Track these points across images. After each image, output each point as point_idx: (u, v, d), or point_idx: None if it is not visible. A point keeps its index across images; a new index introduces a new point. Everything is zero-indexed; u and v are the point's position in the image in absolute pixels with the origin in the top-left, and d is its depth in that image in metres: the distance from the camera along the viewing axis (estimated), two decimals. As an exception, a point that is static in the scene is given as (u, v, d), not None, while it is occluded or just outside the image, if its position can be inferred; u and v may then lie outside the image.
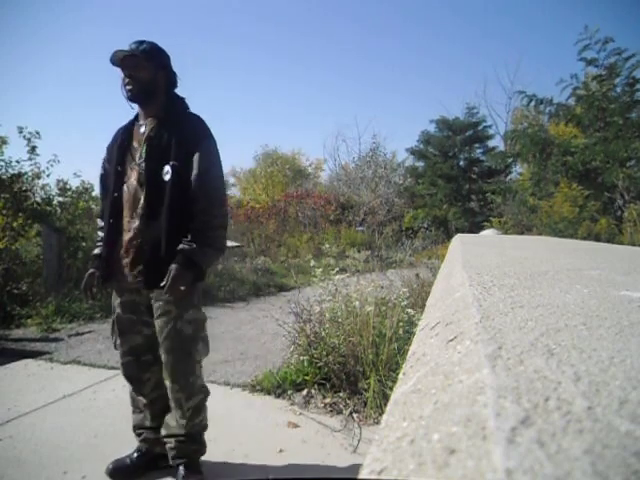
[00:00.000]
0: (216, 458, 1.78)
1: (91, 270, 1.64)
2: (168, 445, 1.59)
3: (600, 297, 0.37)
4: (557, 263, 0.66)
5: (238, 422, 2.14)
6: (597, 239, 5.10)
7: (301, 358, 2.61)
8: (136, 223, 1.53)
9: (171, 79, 1.65)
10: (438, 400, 0.19)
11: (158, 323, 1.55)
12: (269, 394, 2.47)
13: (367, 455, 0.17)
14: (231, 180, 24.00)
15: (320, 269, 3.06)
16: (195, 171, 1.51)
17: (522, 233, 6.48)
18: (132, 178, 1.55)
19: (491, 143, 17.61)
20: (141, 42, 1.56)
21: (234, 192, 21.54)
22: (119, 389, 2.56)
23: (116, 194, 1.56)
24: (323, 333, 2.58)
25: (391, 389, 2.12)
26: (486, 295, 0.36)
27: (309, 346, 2.58)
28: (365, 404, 2.20)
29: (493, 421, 0.15)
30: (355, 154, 19.83)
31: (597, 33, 5.72)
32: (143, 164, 1.53)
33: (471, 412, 0.16)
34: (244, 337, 3.78)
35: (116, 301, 1.63)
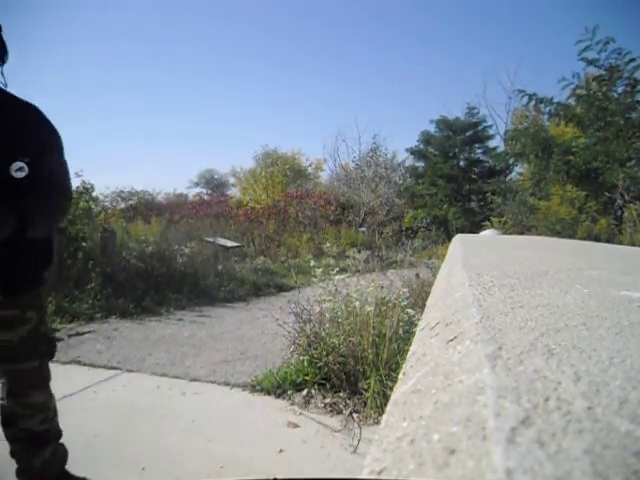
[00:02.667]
0: (216, 458, 1.78)
1: None
2: None
3: (600, 297, 0.37)
4: (557, 263, 0.66)
5: (238, 422, 2.14)
6: (597, 239, 5.10)
7: (301, 358, 2.61)
8: None
9: None
10: (438, 400, 0.19)
11: None
12: (269, 394, 2.47)
13: (367, 455, 0.17)
14: (231, 180, 24.01)
15: (320, 269, 3.06)
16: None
17: (522, 233, 6.48)
18: None
19: (491, 143, 17.63)
20: None
21: (234, 192, 21.55)
22: (119, 389, 2.56)
23: None
24: (323, 333, 2.58)
25: (391, 389, 2.12)
26: (486, 295, 0.36)
27: (309, 346, 2.58)
28: (365, 404, 2.20)
29: (493, 421, 0.15)
30: (355, 154, 19.81)
31: (598, 33, 5.71)
32: None
33: (471, 412, 0.16)
34: (244, 337, 3.78)
35: None
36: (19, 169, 1.23)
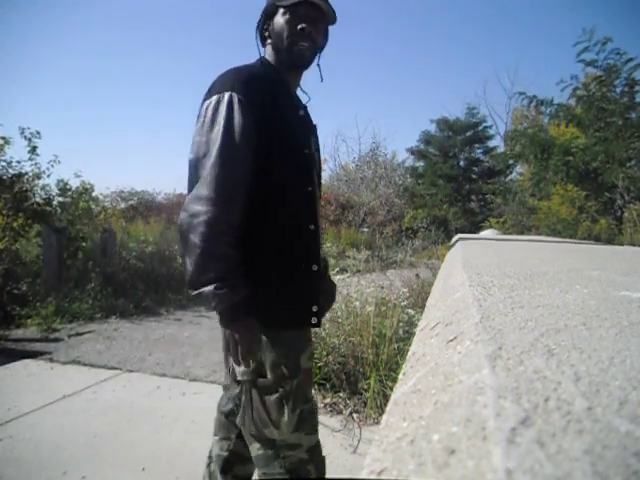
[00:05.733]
0: (216, 458, 1.78)
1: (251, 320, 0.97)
2: None
3: (600, 297, 0.37)
4: (557, 263, 0.66)
5: (238, 422, 2.14)
6: (597, 239, 5.10)
7: (301, 358, 2.61)
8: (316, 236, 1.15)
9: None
10: (438, 400, 0.19)
11: None
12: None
13: (367, 455, 0.17)
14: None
15: (320, 269, 3.05)
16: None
17: (522, 233, 6.48)
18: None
19: (491, 143, 17.64)
20: None
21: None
22: (119, 389, 2.56)
23: (310, 188, 1.13)
24: (323, 333, 2.58)
25: (391, 389, 2.12)
26: (486, 295, 0.36)
27: (309, 346, 2.58)
28: (365, 404, 2.20)
29: (493, 421, 0.15)
30: (355, 154, 19.82)
31: (596, 34, 5.71)
32: (315, 156, 1.20)
33: (471, 412, 0.16)
34: (244, 337, 3.77)
35: (304, 356, 1.07)
36: None
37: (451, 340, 0.26)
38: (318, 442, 1.13)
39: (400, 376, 0.25)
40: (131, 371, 2.88)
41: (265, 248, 1.02)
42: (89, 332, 3.83)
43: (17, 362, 3.00)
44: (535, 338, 0.24)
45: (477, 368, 0.20)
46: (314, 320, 1.07)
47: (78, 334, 3.75)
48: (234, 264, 0.93)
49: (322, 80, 1.26)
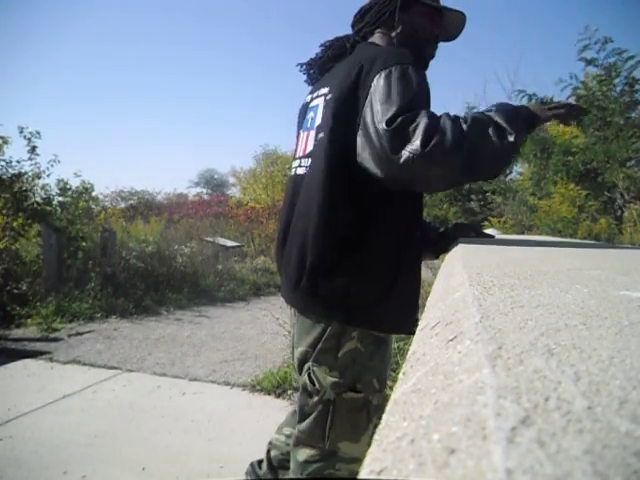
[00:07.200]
0: (216, 458, 1.78)
1: None
2: None
3: (600, 297, 0.37)
4: (557, 263, 0.66)
5: (238, 422, 2.14)
6: (597, 239, 5.10)
7: (301, 358, 2.61)
8: None
9: None
10: (438, 400, 0.19)
11: None
12: (269, 394, 2.46)
13: (367, 455, 0.17)
14: (231, 180, 23.99)
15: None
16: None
17: (522, 233, 6.48)
18: None
19: (491, 143, 17.64)
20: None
21: (234, 192, 21.53)
22: (119, 389, 2.56)
23: None
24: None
25: (391, 389, 2.11)
26: (486, 295, 0.36)
27: (309, 346, 2.58)
28: (365, 404, 2.19)
29: (493, 421, 0.15)
30: (355, 154, 19.71)
31: (596, 33, 5.71)
32: None
33: (471, 412, 0.16)
34: (244, 337, 3.78)
35: (389, 367, 1.06)
36: None
37: (451, 340, 0.26)
38: None
39: (400, 376, 0.25)
40: (131, 371, 2.88)
41: (395, 248, 0.95)
42: (89, 332, 3.84)
43: (17, 362, 3.00)
44: (535, 338, 0.24)
45: (477, 367, 0.20)
46: (414, 327, 0.99)
47: (78, 334, 3.76)
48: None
49: None
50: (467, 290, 0.38)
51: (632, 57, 5.52)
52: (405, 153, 0.79)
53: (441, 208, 15.60)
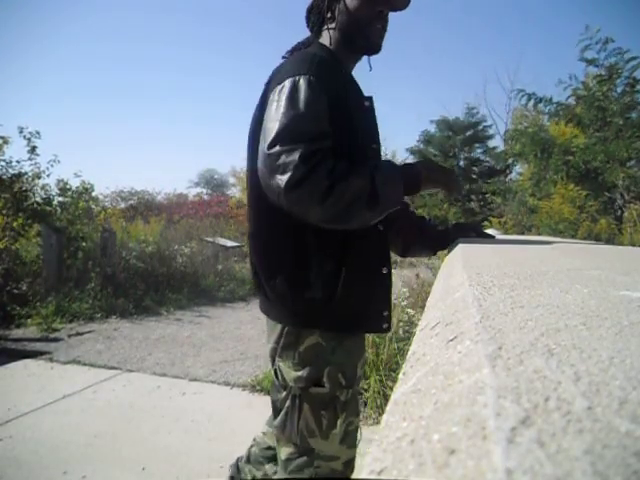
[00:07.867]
0: (216, 458, 1.78)
1: None
2: None
3: (600, 297, 0.37)
4: (557, 263, 0.66)
5: (238, 422, 2.14)
6: (597, 239, 5.10)
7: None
8: None
9: None
10: (438, 400, 0.19)
11: None
12: (269, 394, 2.46)
13: (367, 455, 0.17)
14: (231, 180, 24.00)
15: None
16: None
17: (522, 233, 6.48)
18: None
19: (491, 143, 17.62)
20: None
21: (234, 192, 21.54)
22: (119, 389, 2.56)
23: None
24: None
25: (391, 389, 2.12)
26: (486, 295, 0.36)
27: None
28: (365, 404, 2.20)
29: (493, 421, 0.15)
30: (355, 154, 19.73)
31: (598, 33, 5.70)
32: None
33: (471, 412, 0.16)
34: (244, 337, 3.78)
35: (360, 363, 1.03)
36: None
37: (451, 340, 0.26)
38: (355, 456, 1.06)
39: (400, 376, 0.25)
40: (131, 371, 2.88)
41: (337, 248, 0.93)
42: (89, 332, 3.84)
43: (17, 362, 3.00)
44: (535, 338, 0.24)
45: (477, 368, 0.20)
46: (385, 325, 1.00)
47: (78, 334, 3.76)
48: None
49: (371, 69, 1.13)
50: (467, 290, 0.38)
51: (634, 58, 5.52)
52: (275, 183, 0.81)
53: (441, 208, 15.60)
